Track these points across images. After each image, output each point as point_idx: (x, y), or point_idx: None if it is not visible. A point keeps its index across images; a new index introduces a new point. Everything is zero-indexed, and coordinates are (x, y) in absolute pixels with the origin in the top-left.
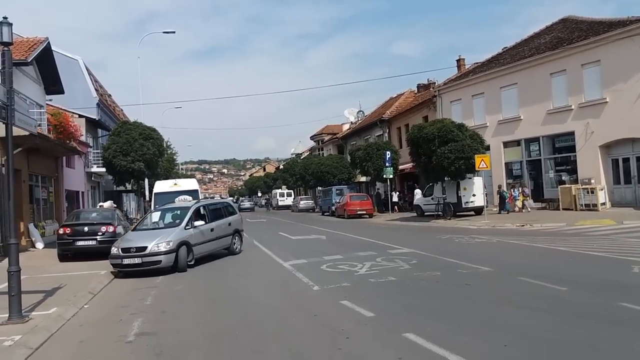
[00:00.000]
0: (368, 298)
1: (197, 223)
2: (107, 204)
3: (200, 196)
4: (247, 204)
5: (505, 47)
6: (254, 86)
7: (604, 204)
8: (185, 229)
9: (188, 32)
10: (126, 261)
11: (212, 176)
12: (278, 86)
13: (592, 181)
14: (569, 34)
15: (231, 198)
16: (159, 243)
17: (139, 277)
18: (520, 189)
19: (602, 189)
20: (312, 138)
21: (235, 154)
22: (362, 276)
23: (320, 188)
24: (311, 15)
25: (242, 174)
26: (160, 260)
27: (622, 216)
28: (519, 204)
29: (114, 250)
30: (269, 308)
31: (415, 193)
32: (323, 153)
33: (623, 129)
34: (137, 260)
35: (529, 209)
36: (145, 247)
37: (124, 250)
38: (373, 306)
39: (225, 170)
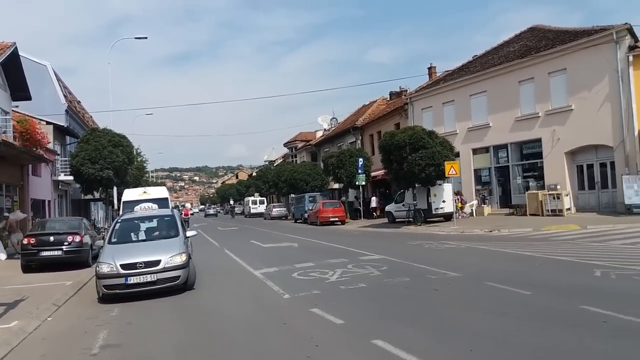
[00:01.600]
0: (338, 305)
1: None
2: (15, 214)
3: (170, 205)
4: (211, 210)
5: (475, 55)
6: (227, 92)
7: (569, 209)
8: (185, 238)
9: (160, 37)
10: (133, 280)
11: (183, 184)
12: (253, 92)
13: (558, 187)
14: (536, 43)
15: (202, 206)
16: (173, 255)
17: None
18: (459, 197)
19: (567, 195)
20: (285, 145)
21: (208, 161)
22: (332, 283)
23: (293, 195)
24: (286, 22)
25: (214, 181)
26: (179, 276)
27: (586, 221)
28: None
29: (104, 268)
30: (239, 317)
31: (371, 200)
32: (296, 160)
33: (587, 135)
34: (150, 278)
35: (465, 215)
36: (159, 261)
37: (127, 266)
38: (343, 313)
39: (197, 178)
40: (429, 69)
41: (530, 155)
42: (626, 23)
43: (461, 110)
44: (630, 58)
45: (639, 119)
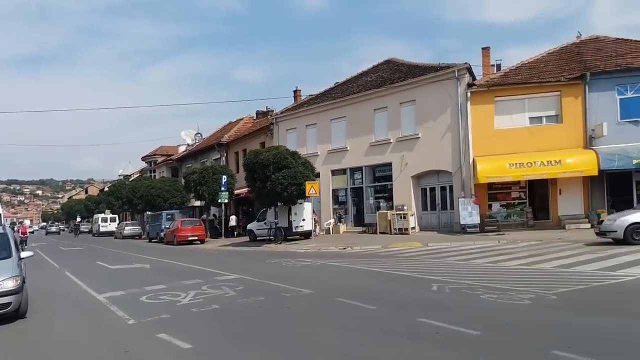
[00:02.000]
0: (188, 329)
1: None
2: None
3: (4, 221)
4: (53, 228)
5: (337, 82)
6: (83, 100)
7: (413, 228)
8: (19, 260)
9: (8, 36)
10: None
11: (23, 198)
12: (111, 102)
13: (405, 207)
14: (391, 75)
15: (44, 223)
16: (4, 280)
17: None
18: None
19: (412, 215)
20: (144, 159)
21: (54, 174)
22: (184, 306)
23: (149, 213)
24: (151, 32)
25: (60, 196)
26: (10, 303)
27: (428, 239)
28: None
29: None
30: (76, 347)
31: (230, 219)
32: (155, 175)
33: (431, 161)
34: None
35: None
36: None
37: None
38: (192, 337)
39: (40, 192)
40: (295, 91)
41: (382, 178)
42: (466, 63)
43: (322, 133)
44: (469, 94)
45: (474, 148)
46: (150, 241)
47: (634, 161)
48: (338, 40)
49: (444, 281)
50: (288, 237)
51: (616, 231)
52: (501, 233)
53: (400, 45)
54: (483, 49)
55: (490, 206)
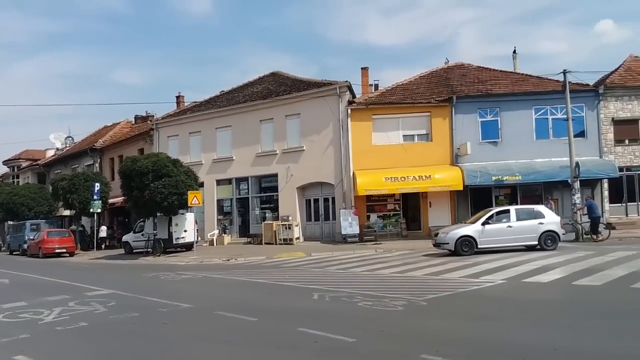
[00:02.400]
0: (50, 350)
1: None
2: None
3: None
4: None
5: (223, 91)
6: None
7: (298, 238)
8: None
9: None
10: None
11: None
12: None
13: (290, 218)
14: (277, 87)
15: None
16: None
17: None
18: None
19: (297, 225)
20: (5, 163)
21: None
22: (47, 324)
23: (11, 222)
24: (17, 25)
25: None
26: None
27: (311, 249)
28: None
29: None
30: None
31: (100, 230)
32: (19, 181)
33: (315, 174)
34: None
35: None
36: None
37: None
38: (54, 358)
39: None
40: (178, 97)
41: (268, 189)
42: (347, 81)
43: (207, 141)
44: (349, 111)
45: (354, 162)
46: (11, 253)
47: (493, 178)
48: (224, 48)
49: (324, 290)
50: (168, 250)
51: (448, 243)
52: (378, 242)
53: (287, 58)
54: (362, 68)
55: (368, 217)
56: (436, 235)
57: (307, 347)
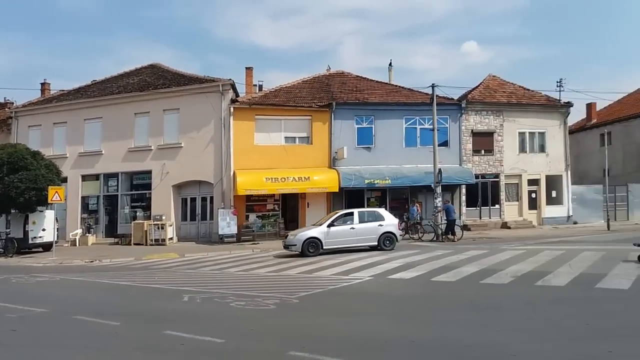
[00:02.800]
0: None
1: None
2: None
3: None
4: None
5: (94, 80)
6: None
7: (171, 238)
8: None
9: None
10: None
11: None
12: None
13: (163, 217)
14: (155, 80)
15: None
16: None
17: None
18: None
19: (171, 225)
20: None
21: None
22: None
23: None
24: None
25: None
26: None
27: (185, 250)
28: None
29: None
30: None
31: None
32: None
33: (193, 172)
34: None
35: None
36: None
37: None
38: None
39: None
40: (43, 84)
41: (140, 186)
42: (230, 79)
43: (74, 133)
44: (232, 109)
45: (235, 161)
46: None
47: (366, 181)
48: (99, 36)
49: (196, 291)
50: (23, 250)
51: (296, 245)
52: (256, 242)
53: (169, 52)
54: (247, 68)
55: (247, 217)
56: (286, 237)
57: (172, 350)
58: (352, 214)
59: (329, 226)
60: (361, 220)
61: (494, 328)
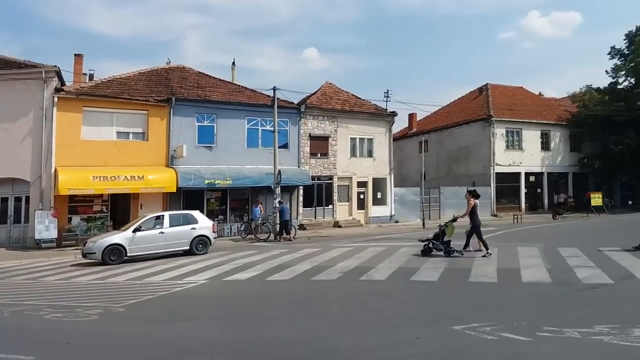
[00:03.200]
0: None
1: None
2: None
3: None
4: None
5: None
6: None
7: None
8: None
9: None
10: None
11: None
12: None
13: None
14: None
15: None
16: None
17: None
18: None
19: None
20: None
21: None
22: None
23: None
24: None
25: None
26: None
27: None
28: None
29: None
30: None
31: None
32: None
33: (6, 168)
34: None
35: None
36: None
37: None
38: None
39: None
40: None
41: None
42: (55, 66)
43: None
44: (56, 99)
45: (57, 157)
46: None
47: (206, 181)
48: None
49: (4, 304)
50: None
51: (95, 252)
52: (79, 247)
53: None
54: (76, 55)
55: (70, 219)
56: (85, 244)
57: None
58: (162, 217)
59: (134, 231)
60: (172, 224)
61: (323, 322)
